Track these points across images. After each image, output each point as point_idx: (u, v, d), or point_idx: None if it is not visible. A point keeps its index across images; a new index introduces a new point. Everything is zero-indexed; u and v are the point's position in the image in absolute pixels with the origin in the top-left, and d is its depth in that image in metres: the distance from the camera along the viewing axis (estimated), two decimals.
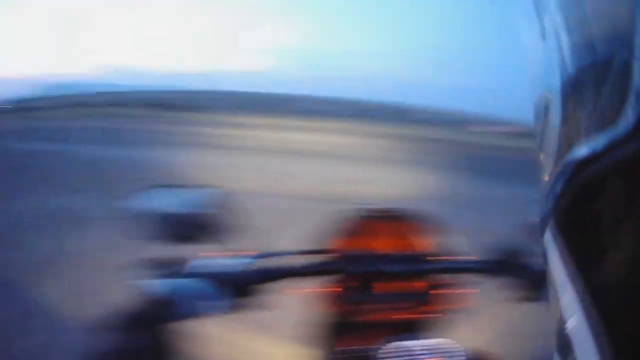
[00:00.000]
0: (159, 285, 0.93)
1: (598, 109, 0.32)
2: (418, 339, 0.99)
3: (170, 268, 0.96)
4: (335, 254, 1.11)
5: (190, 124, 23.37)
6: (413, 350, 0.97)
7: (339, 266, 1.09)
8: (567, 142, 0.38)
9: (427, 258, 1.10)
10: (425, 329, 1.10)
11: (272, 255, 1.07)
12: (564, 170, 0.38)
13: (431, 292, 1.10)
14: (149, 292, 0.92)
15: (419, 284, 1.10)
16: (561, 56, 0.40)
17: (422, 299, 1.10)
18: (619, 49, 0.29)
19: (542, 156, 0.48)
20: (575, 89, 0.39)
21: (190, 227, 1.02)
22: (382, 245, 1.14)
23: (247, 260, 1.03)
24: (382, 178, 8.73)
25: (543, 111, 0.49)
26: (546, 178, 0.43)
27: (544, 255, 0.44)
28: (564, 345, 0.38)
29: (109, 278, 3.76)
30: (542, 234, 0.45)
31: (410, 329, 1.06)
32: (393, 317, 1.10)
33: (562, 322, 0.39)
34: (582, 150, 0.34)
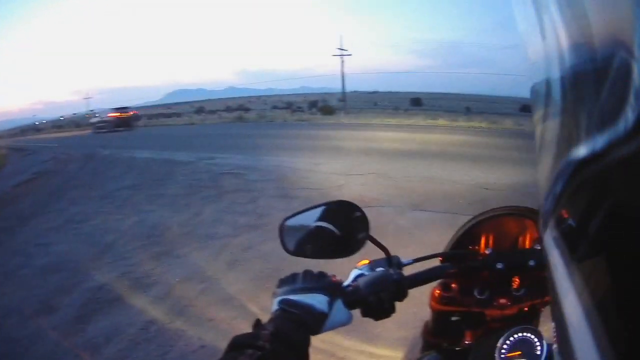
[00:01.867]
0: (304, 299, 0.97)
1: (598, 109, 0.32)
2: (534, 330, 1.03)
3: (314, 283, 1.00)
4: (469, 254, 1.17)
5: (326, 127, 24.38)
6: (531, 341, 1.02)
7: (471, 265, 1.15)
8: (567, 142, 0.38)
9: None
10: (534, 320, 1.15)
11: (405, 263, 1.12)
12: (564, 170, 0.38)
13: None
14: (294, 306, 0.95)
15: (539, 277, 1.10)
16: (561, 56, 0.41)
17: (540, 291, 1.13)
18: (618, 49, 0.29)
19: (542, 156, 0.50)
20: (575, 88, 0.39)
21: (326, 242, 1.07)
22: (509, 242, 1.19)
23: (382, 270, 1.08)
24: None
25: (543, 111, 0.51)
26: (546, 178, 0.45)
27: (544, 255, 0.47)
28: (565, 344, 0.38)
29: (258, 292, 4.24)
30: (542, 233, 0.48)
31: (525, 321, 1.09)
32: (514, 310, 1.13)
33: (562, 322, 0.39)
34: (582, 150, 0.34)
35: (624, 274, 0.31)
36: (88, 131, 39.37)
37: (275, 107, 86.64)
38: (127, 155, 15.43)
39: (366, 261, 1.14)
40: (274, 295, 1.01)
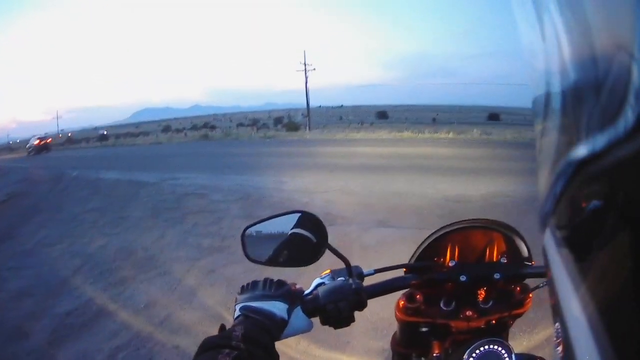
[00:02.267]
0: (265, 306, 1.00)
1: (598, 109, 0.32)
2: (501, 342, 1.06)
3: (274, 290, 1.04)
4: (433, 265, 1.18)
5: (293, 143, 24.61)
6: (498, 354, 1.04)
7: (434, 276, 1.16)
8: (567, 142, 0.38)
9: (516, 264, 1.16)
10: (503, 332, 1.18)
11: (368, 274, 1.15)
12: (564, 170, 0.39)
13: (516, 297, 1.15)
14: (256, 313, 0.98)
15: (506, 290, 1.16)
16: (561, 56, 0.41)
17: (507, 304, 1.15)
18: (618, 49, 0.29)
19: (542, 156, 0.51)
20: (575, 89, 0.40)
21: (285, 250, 1.10)
22: (476, 254, 1.19)
23: (344, 279, 1.10)
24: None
25: (543, 111, 0.51)
26: (546, 178, 0.45)
27: (544, 255, 0.47)
28: (565, 344, 0.39)
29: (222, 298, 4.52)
30: (542, 234, 0.48)
31: (494, 333, 1.11)
32: (481, 323, 1.15)
33: (562, 322, 0.40)
34: (582, 150, 0.34)
35: (626, 275, 0.31)
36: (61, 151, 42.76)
37: (240, 125, 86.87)
38: (94, 176, 15.49)
39: (328, 271, 1.16)
40: (236, 301, 1.04)
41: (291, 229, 1.08)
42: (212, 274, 5.47)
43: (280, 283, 1.07)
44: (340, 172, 12.10)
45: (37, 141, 42.99)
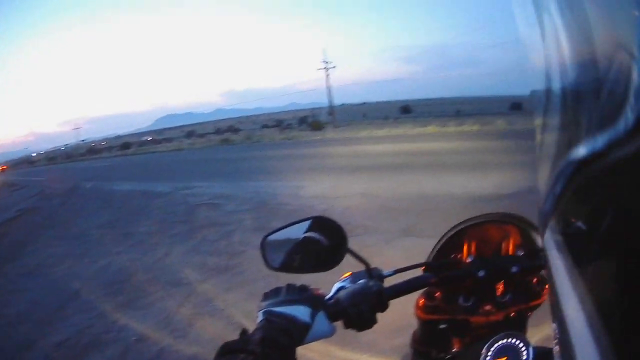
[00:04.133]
0: (287, 310, 1.00)
1: (598, 109, 0.33)
2: (519, 336, 1.07)
3: (297, 295, 1.04)
4: (451, 262, 1.19)
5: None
6: (516, 347, 1.05)
7: (452, 273, 1.16)
8: (567, 142, 0.39)
9: (531, 256, 1.15)
10: (521, 325, 1.17)
11: (387, 275, 1.14)
12: (564, 170, 0.39)
13: (533, 288, 1.16)
14: (278, 317, 0.98)
15: (523, 282, 1.16)
16: (561, 56, 0.42)
17: (525, 297, 1.15)
18: (618, 50, 0.30)
19: (542, 156, 0.51)
20: (575, 89, 0.41)
21: (305, 257, 1.11)
22: (492, 249, 1.19)
23: (364, 281, 1.10)
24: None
25: (543, 111, 0.52)
26: (546, 179, 0.46)
27: (544, 255, 0.48)
28: (565, 344, 0.39)
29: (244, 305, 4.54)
30: (542, 234, 0.49)
31: (512, 326, 1.11)
32: (499, 316, 1.15)
33: (562, 322, 0.40)
34: (582, 150, 0.34)
35: (626, 275, 0.31)
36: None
37: (265, 126, 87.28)
38: (108, 188, 15.86)
39: (348, 274, 1.16)
40: (259, 308, 1.04)
41: (310, 235, 1.09)
42: (214, 302, 5.02)
43: (303, 288, 1.06)
44: (362, 174, 11.61)
45: None
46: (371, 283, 1.09)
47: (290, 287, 1.06)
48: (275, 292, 1.06)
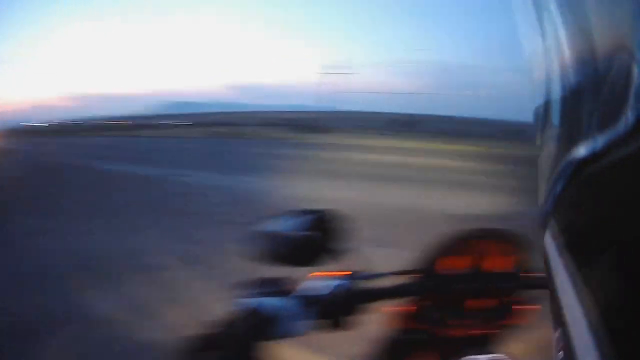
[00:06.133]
0: (258, 303, 0.98)
1: (598, 109, 0.33)
2: (488, 353, 1.06)
3: (270, 288, 1.03)
4: (424, 273, 1.16)
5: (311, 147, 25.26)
6: None
7: (424, 285, 1.15)
8: (567, 142, 0.39)
9: (511, 275, 1.14)
10: (494, 344, 1.15)
11: (367, 277, 1.11)
12: (564, 170, 0.39)
13: (507, 308, 1.14)
14: (248, 310, 0.97)
15: (496, 300, 1.15)
16: (561, 57, 0.43)
17: (499, 315, 1.14)
18: (618, 50, 0.31)
19: (542, 156, 0.51)
20: (575, 89, 0.41)
21: (295, 249, 1.06)
22: (469, 263, 1.17)
23: (341, 282, 1.07)
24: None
25: (543, 111, 0.52)
26: (546, 178, 0.45)
27: (544, 255, 0.47)
28: (565, 345, 0.39)
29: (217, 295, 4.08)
30: (542, 234, 0.48)
31: (482, 345, 1.11)
32: (468, 333, 1.13)
33: (562, 322, 0.40)
34: (582, 150, 0.35)
35: (628, 276, 0.31)
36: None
37: (266, 124, 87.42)
38: (99, 168, 15.93)
39: (326, 272, 1.12)
40: (230, 298, 1.02)
41: (301, 229, 1.04)
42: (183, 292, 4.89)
43: (278, 282, 1.04)
44: (356, 181, 11.82)
45: None
46: (349, 285, 1.07)
47: (264, 280, 1.05)
48: (249, 283, 1.05)
